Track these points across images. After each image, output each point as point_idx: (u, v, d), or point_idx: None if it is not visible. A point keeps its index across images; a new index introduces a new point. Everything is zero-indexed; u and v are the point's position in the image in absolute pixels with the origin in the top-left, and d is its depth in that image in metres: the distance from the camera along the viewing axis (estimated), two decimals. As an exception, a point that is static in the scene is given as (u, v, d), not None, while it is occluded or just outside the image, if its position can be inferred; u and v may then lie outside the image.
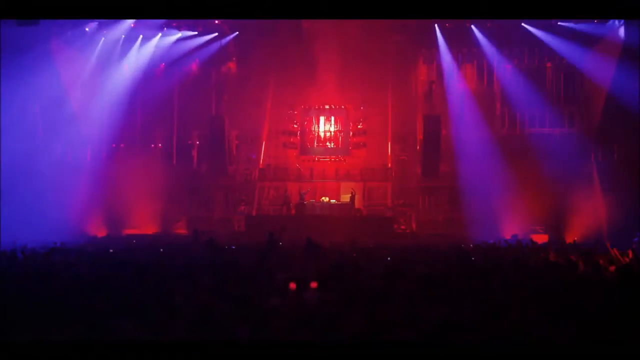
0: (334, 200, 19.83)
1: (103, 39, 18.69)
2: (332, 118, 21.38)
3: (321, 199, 19.75)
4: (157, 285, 6.20)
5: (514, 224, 18.11)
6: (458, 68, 20.41)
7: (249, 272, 7.05)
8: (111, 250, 10.18)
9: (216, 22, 19.67)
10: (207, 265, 7.93)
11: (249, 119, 20.96)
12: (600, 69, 17.95)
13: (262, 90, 20.72)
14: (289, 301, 5.69)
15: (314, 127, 21.36)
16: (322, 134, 21.35)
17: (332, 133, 21.36)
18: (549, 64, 20.06)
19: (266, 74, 20.53)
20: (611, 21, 17.66)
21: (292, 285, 5.84)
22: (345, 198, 19.78)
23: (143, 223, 18.74)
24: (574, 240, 15.33)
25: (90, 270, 7.38)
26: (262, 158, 21.14)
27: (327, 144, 21.37)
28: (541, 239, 16.08)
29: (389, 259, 10.45)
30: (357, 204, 19.77)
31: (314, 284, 5.92)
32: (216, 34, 20.19)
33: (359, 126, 21.30)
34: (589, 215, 17.22)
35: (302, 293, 5.86)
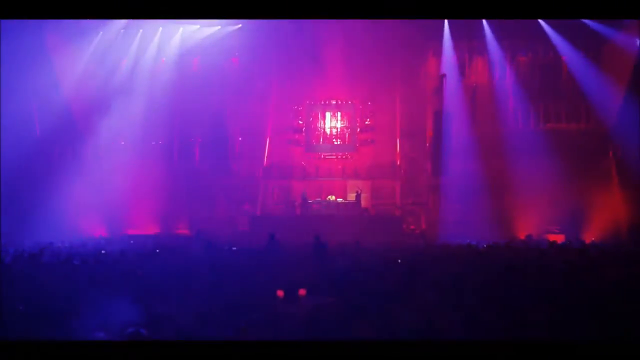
0: (341, 199, 19.59)
1: (101, 32, 18.52)
2: (339, 114, 21.14)
3: (327, 198, 19.53)
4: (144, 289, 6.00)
5: (527, 223, 17.78)
6: (469, 61, 20.06)
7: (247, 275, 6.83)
8: (103, 252, 9.99)
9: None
10: (205, 267, 7.71)
11: (252, 115, 20.73)
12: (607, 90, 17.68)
13: (266, 85, 20.45)
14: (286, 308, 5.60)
15: (320, 124, 21.15)
16: (328, 131, 21.13)
17: (339, 129, 21.12)
18: (564, 57, 19.62)
19: (270, 69, 20.24)
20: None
21: (280, 293, 5.72)
22: (353, 197, 19.55)
23: (144, 223, 18.58)
24: (592, 240, 14.98)
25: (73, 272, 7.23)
26: (266, 156, 20.93)
27: (334, 140, 21.15)
28: (557, 239, 15.74)
29: (399, 261, 10.25)
30: (364, 203, 19.53)
31: (302, 291, 5.82)
32: (219, 27, 19.96)
33: (366, 122, 21.04)
34: (607, 213, 16.85)
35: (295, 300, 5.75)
